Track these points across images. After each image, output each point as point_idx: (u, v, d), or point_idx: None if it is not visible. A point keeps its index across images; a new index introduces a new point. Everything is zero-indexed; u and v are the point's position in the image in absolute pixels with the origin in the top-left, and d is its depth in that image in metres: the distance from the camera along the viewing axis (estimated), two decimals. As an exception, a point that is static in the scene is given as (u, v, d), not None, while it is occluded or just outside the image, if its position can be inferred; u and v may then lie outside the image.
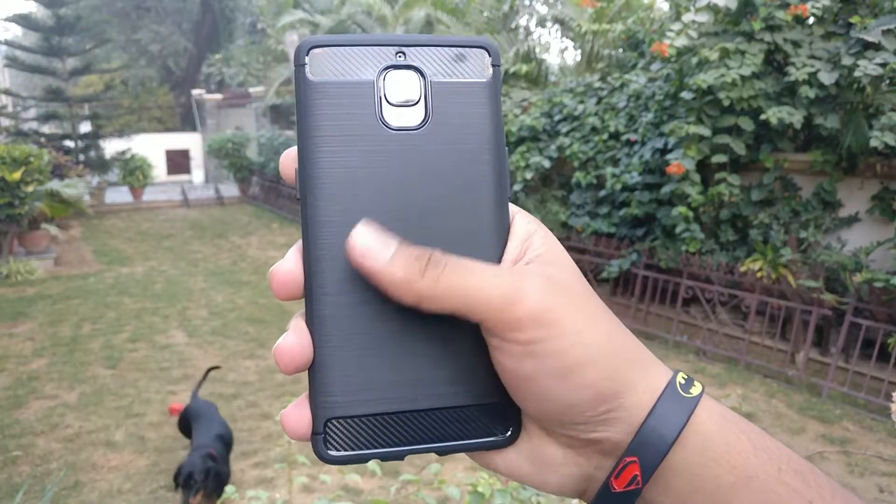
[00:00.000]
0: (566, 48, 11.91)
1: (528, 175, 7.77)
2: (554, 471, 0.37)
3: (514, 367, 0.35)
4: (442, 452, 0.38)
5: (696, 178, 5.94)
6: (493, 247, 0.37)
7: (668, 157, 6.05)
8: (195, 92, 20.65)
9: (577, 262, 5.97)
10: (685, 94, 6.04)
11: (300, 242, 0.37)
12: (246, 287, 8.20)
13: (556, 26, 10.31)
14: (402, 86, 0.37)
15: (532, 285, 0.34)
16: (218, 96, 20.12)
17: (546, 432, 0.37)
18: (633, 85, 7.22)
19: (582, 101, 7.77)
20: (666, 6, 7.77)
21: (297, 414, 0.36)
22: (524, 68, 8.96)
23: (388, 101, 0.36)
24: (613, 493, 0.35)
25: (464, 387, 0.37)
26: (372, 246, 0.34)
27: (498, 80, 0.38)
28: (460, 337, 0.37)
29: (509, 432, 0.38)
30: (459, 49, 0.38)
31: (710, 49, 5.71)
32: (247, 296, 7.77)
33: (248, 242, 11.19)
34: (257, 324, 6.64)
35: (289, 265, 0.37)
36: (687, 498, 0.35)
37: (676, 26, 5.89)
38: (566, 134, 7.75)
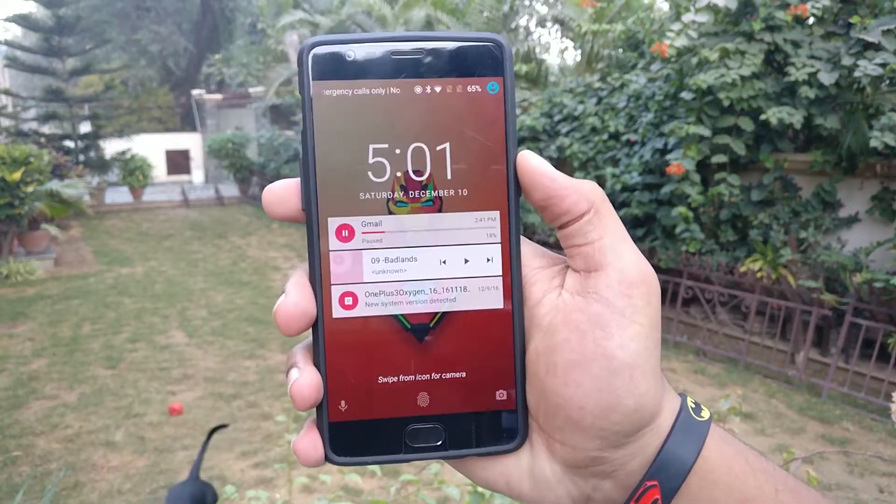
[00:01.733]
0: (566, 48, 11.95)
1: None
2: (551, 489, 0.37)
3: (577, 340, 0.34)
4: (450, 458, 0.37)
5: (696, 178, 5.94)
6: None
7: (668, 157, 6.05)
8: (195, 92, 20.66)
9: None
10: (685, 95, 6.04)
11: (298, 275, 0.37)
12: (246, 287, 8.20)
13: (556, 26, 10.33)
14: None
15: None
16: (218, 96, 20.11)
17: (548, 448, 0.37)
18: (633, 85, 7.22)
19: (582, 102, 7.77)
20: (666, 6, 7.77)
21: (308, 441, 0.36)
22: (524, 68, 8.97)
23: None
24: None
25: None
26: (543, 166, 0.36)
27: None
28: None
29: (517, 439, 0.37)
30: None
31: (709, 49, 5.71)
32: (247, 296, 7.77)
33: (248, 243, 11.19)
34: (257, 324, 6.64)
35: (293, 298, 0.35)
36: None
37: (676, 26, 5.89)
38: (566, 134, 7.75)
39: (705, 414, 0.37)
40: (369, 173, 0.36)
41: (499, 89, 0.36)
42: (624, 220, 7.01)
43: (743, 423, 4.08)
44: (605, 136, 7.25)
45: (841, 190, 5.84)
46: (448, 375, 0.37)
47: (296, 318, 0.35)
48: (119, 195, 16.08)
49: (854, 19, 5.38)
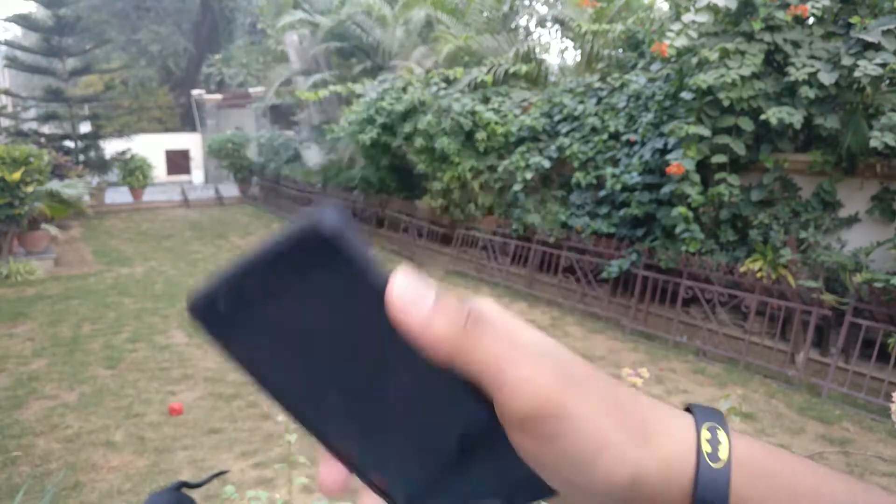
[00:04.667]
0: (566, 48, 11.97)
1: (528, 175, 7.78)
2: None
3: (535, 452, 0.33)
4: None
5: (696, 178, 5.94)
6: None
7: (668, 157, 6.05)
8: (195, 92, 20.69)
9: (577, 262, 5.89)
10: (685, 95, 6.04)
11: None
12: None
13: (556, 26, 10.32)
14: None
15: (549, 372, 0.32)
16: (218, 97, 20.14)
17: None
18: (633, 85, 7.22)
19: (582, 102, 7.78)
20: (666, 6, 7.78)
21: (330, 471, 0.35)
22: (524, 68, 8.97)
23: None
24: None
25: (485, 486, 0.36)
26: (412, 298, 0.31)
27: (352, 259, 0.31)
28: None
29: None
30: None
31: (709, 49, 5.72)
32: None
33: (248, 243, 11.15)
34: None
35: (330, 475, 0.35)
36: None
37: (676, 26, 5.90)
38: (566, 134, 7.76)
39: (723, 451, 0.34)
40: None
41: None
42: (624, 219, 7.04)
43: (743, 423, 4.08)
44: (605, 136, 7.25)
45: (841, 190, 5.84)
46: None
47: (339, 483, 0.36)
48: (119, 195, 16.10)
49: (854, 19, 5.38)
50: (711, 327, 5.93)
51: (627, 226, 6.99)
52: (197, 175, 20.50)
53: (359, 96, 9.74)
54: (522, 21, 11.26)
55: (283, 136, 15.52)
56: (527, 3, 11.26)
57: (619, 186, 6.74)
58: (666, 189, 6.20)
